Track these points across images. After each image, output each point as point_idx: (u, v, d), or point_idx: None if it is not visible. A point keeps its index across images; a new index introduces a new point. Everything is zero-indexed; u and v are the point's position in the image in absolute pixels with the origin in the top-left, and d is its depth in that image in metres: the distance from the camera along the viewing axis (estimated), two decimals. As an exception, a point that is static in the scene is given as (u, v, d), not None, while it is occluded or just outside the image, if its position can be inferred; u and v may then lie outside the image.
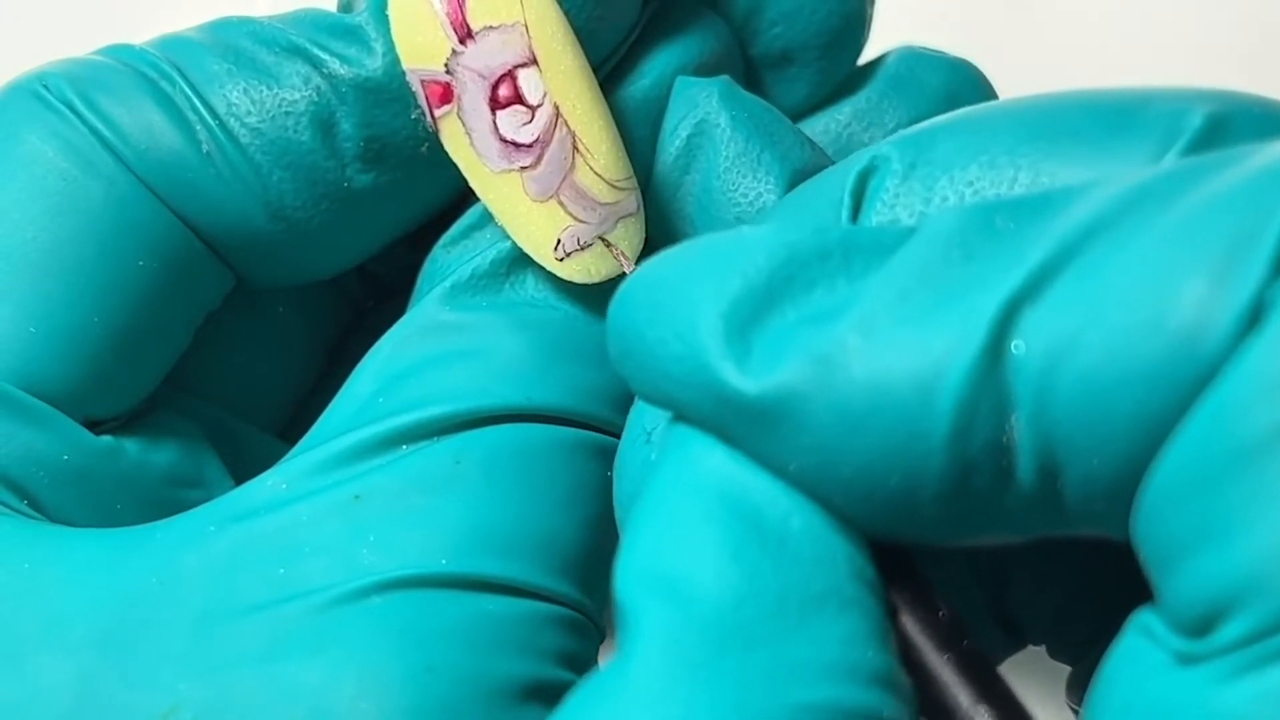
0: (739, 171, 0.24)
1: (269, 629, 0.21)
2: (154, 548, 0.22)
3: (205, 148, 0.23)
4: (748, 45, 0.27)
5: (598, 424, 0.24)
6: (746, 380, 0.17)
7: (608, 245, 0.23)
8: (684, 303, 0.17)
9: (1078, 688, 0.23)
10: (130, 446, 0.24)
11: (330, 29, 0.24)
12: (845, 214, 0.20)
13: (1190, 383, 0.15)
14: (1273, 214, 0.15)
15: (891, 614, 0.17)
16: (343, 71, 0.24)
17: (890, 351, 0.16)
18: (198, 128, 0.23)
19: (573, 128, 0.23)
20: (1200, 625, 0.15)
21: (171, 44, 0.24)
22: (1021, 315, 0.16)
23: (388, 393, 0.23)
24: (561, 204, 0.23)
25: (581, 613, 0.23)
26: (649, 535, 0.17)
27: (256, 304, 0.27)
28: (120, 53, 0.24)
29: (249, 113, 0.23)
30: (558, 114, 0.23)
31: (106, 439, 0.23)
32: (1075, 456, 0.16)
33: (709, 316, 0.17)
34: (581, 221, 0.23)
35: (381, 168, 0.24)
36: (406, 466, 0.22)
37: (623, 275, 0.24)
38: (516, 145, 0.23)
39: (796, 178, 0.24)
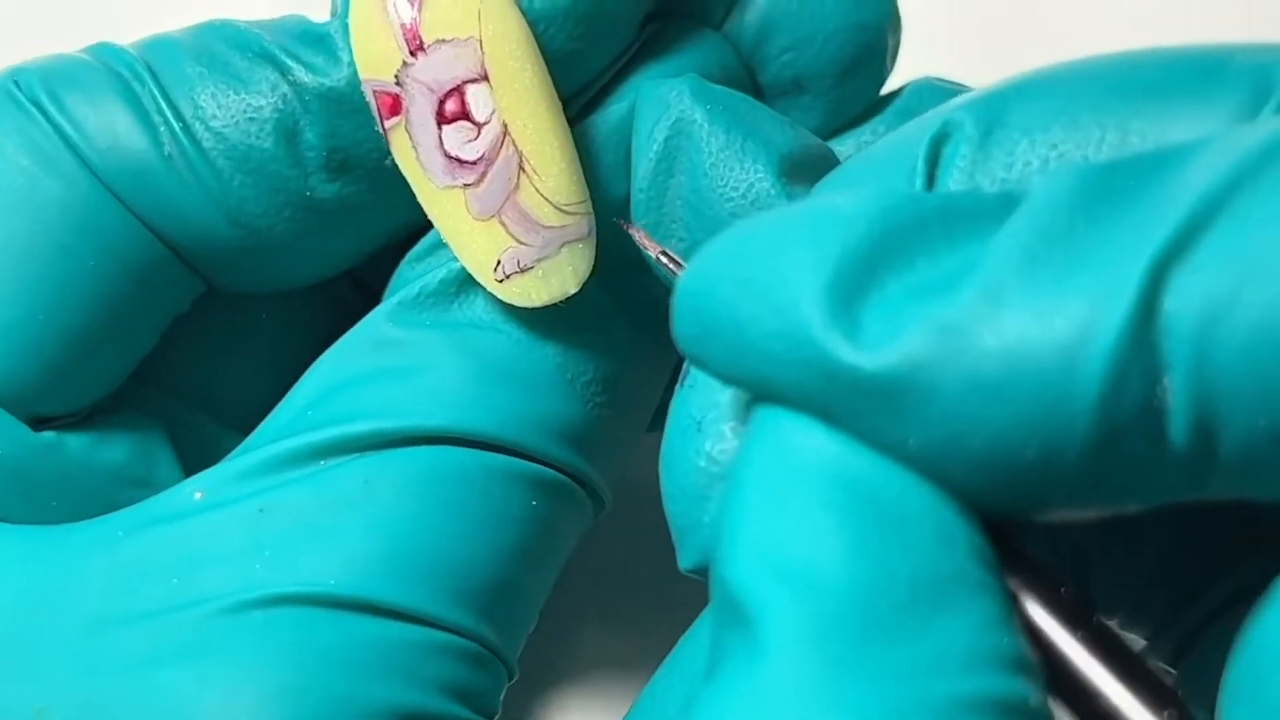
0: (726, 165, 0.23)
1: (154, 636, 0.21)
2: (65, 549, 0.22)
3: (167, 150, 0.23)
4: (757, 72, 0.26)
5: (528, 452, 0.23)
6: (863, 355, 0.16)
7: (628, 228, 0.23)
8: (779, 276, 0.16)
9: (1158, 652, 0.21)
10: (74, 443, 0.24)
11: (301, 36, 0.24)
12: (920, 182, 0.19)
13: None
14: None
15: (1012, 596, 0.17)
16: (308, 80, 0.24)
17: (1025, 318, 0.15)
18: (162, 130, 0.23)
19: (521, 147, 0.23)
20: None
21: (154, 45, 0.24)
22: (1171, 274, 0.15)
23: (318, 406, 0.23)
24: (503, 224, 0.23)
25: (482, 645, 0.23)
26: (757, 523, 0.16)
27: (240, 309, 0.27)
28: (102, 51, 0.24)
29: (214, 117, 0.23)
30: (505, 133, 0.22)
31: (48, 435, 0.24)
32: (1239, 415, 0.15)
33: (811, 290, 0.16)
34: (523, 244, 0.23)
35: (346, 179, 0.24)
36: (318, 482, 0.22)
37: (566, 299, 0.23)
38: (461, 162, 0.23)
39: (785, 162, 0.23)
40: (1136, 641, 0.22)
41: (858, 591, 0.16)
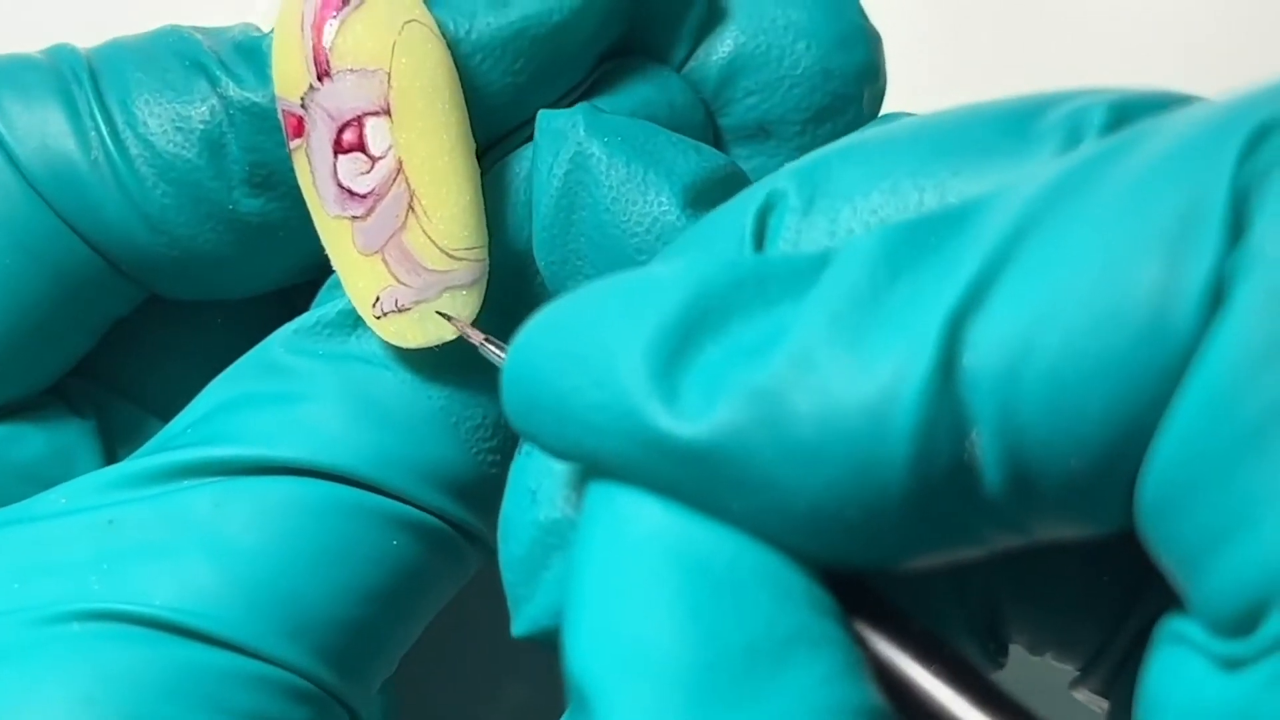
0: (628, 199, 0.22)
1: None
2: None
3: (94, 154, 0.23)
4: (719, 114, 0.25)
5: (396, 494, 0.23)
6: (680, 423, 0.16)
7: (447, 318, 0.22)
8: (598, 347, 0.16)
9: (1091, 679, 0.21)
10: None
11: (239, 48, 0.24)
12: (748, 253, 0.19)
13: (1165, 369, 0.14)
14: (1216, 181, 0.14)
15: (859, 641, 0.17)
16: (233, 94, 0.23)
17: (832, 381, 0.15)
18: (92, 134, 0.24)
19: (413, 187, 0.22)
20: (1240, 623, 0.14)
21: (105, 49, 0.25)
22: (968, 327, 0.15)
23: (198, 425, 0.23)
24: (385, 262, 0.22)
25: (314, 682, 0.22)
26: (595, 606, 0.16)
27: (192, 311, 0.27)
28: (57, 52, 0.25)
29: (145, 124, 0.24)
30: (399, 170, 0.22)
31: None
32: (1051, 459, 0.15)
33: (630, 359, 0.16)
34: (402, 284, 0.22)
35: (269, 195, 0.24)
36: (170, 501, 0.22)
37: (442, 346, 0.22)
38: (351, 193, 0.22)
39: (690, 191, 0.22)
40: (1070, 673, 0.21)
41: (693, 664, 0.15)
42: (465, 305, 0.22)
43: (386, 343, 0.23)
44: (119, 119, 0.24)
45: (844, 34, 0.25)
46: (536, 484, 0.19)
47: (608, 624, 0.16)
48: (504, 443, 0.24)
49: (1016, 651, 0.21)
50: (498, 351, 0.22)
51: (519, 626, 0.20)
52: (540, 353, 0.17)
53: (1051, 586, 0.20)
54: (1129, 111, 0.17)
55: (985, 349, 0.15)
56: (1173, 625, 0.16)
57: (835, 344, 0.15)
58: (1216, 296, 0.14)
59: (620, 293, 0.17)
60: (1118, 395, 0.15)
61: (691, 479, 0.16)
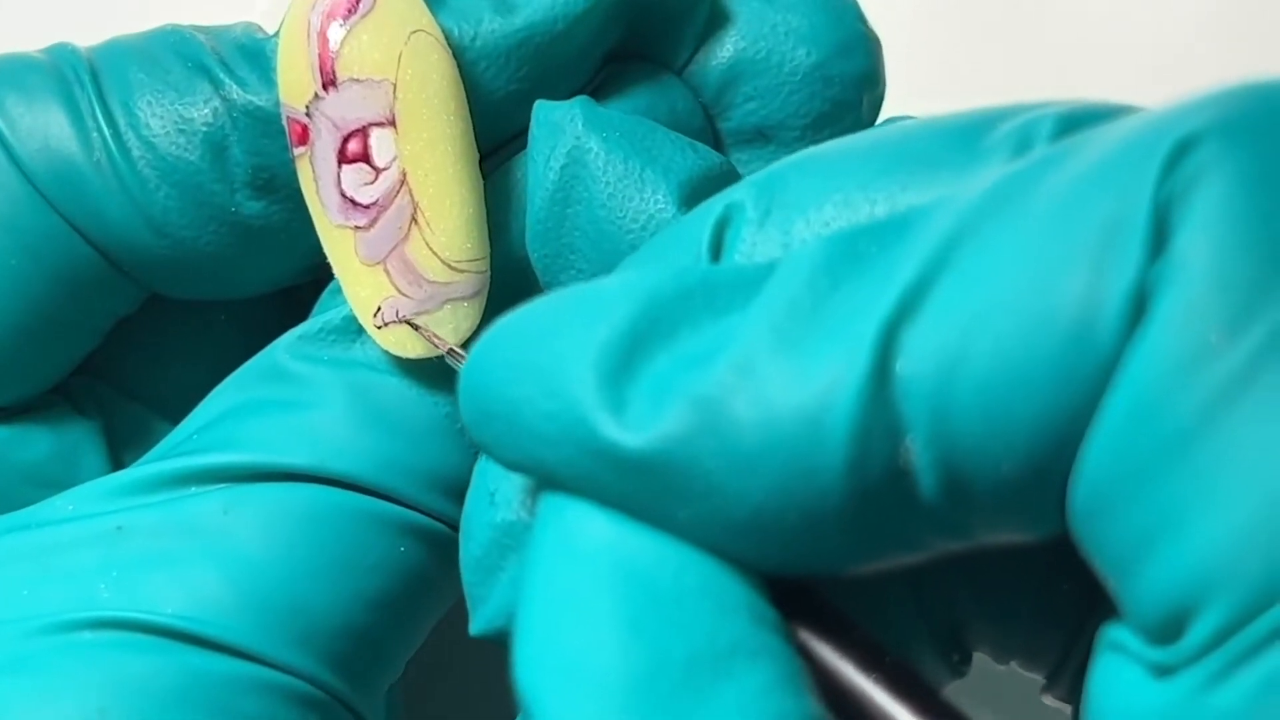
0: (624, 195, 0.22)
1: None
2: None
3: (96, 155, 0.23)
4: (719, 119, 0.26)
5: (403, 499, 0.23)
6: (627, 433, 0.16)
7: (415, 327, 0.22)
8: (550, 357, 0.17)
9: (1057, 687, 0.21)
10: None
11: (242, 50, 0.24)
12: (704, 264, 0.19)
13: (1091, 376, 0.15)
14: (1139, 193, 0.15)
15: (803, 651, 0.17)
16: (236, 96, 0.23)
17: (772, 388, 0.16)
18: (94, 135, 0.23)
19: (417, 199, 0.22)
20: (1168, 629, 0.15)
21: (106, 48, 0.24)
22: (901, 335, 0.15)
23: (205, 431, 0.23)
24: (387, 272, 0.22)
25: (322, 688, 0.22)
26: (540, 620, 0.17)
27: (197, 311, 0.27)
28: (58, 52, 0.24)
29: (147, 125, 0.24)
30: (404, 182, 0.22)
31: None
32: (983, 464, 0.15)
33: (579, 369, 0.16)
34: (404, 295, 0.22)
35: (271, 198, 0.24)
36: (178, 508, 0.22)
37: (442, 356, 0.23)
38: (355, 203, 0.22)
39: (686, 188, 0.22)
40: (1037, 680, 0.21)
41: (632, 676, 0.16)
42: (466, 317, 0.23)
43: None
44: (121, 120, 0.24)
45: (844, 41, 0.25)
46: (495, 486, 0.19)
47: (550, 635, 0.16)
48: (507, 449, 0.24)
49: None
50: (462, 361, 0.22)
51: (475, 625, 0.20)
52: (494, 362, 0.17)
53: (1012, 595, 0.20)
54: (1076, 123, 0.17)
55: (918, 356, 0.15)
56: (1110, 633, 0.16)
57: (776, 351, 0.16)
58: (1139, 306, 0.15)
59: (573, 303, 0.17)
60: (1046, 402, 0.15)
61: (638, 489, 0.16)
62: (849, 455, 0.15)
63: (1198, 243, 0.14)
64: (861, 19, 0.25)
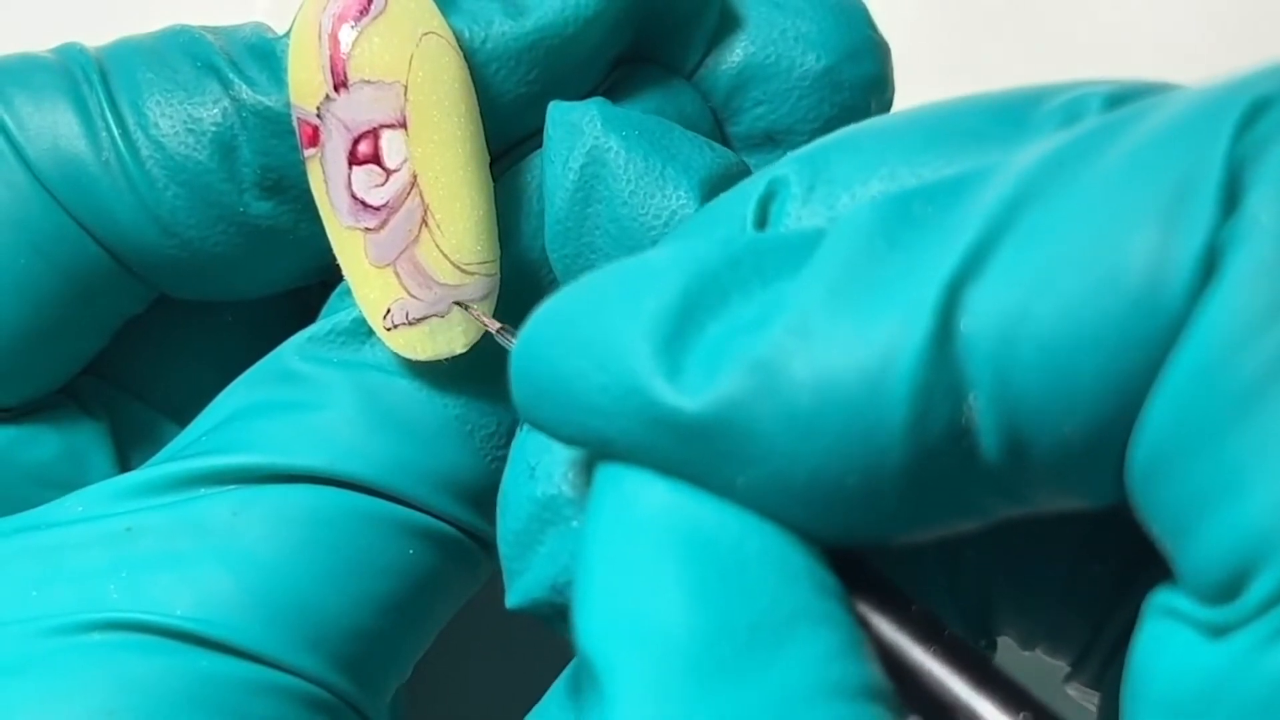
0: (646, 192, 0.22)
1: None
2: None
3: (105, 155, 0.23)
4: (728, 123, 0.26)
5: (412, 501, 0.23)
6: (684, 398, 0.16)
7: (465, 308, 0.22)
8: (601, 331, 0.17)
9: (1081, 674, 0.21)
10: None
11: (252, 50, 0.24)
12: (751, 234, 0.19)
13: (1157, 336, 0.15)
14: (1211, 153, 0.15)
15: (861, 622, 0.17)
16: (246, 97, 0.23)
17: (832, 349, 0.16)
18: (103, 135, 0.23)
19: (427, 201, 0.22)
20: (1226, 590, 0.15)
21: (115, 48, 0.24)
22: (965, 294, 0.15)
23: (214, 432, 0.23)
24: (397, 274, 0.22)
25: (331, 691, 0.22)
26: (602, 582, 0.17)
27: (205, 311, 0.27)
28: (66, 52, 0.24)
29: (156, 125, 0.23)
30: (414, 184, 0.22)
31: None
32: (1046, 425, 0.15)
33: (632, 340, 0.16)
34: (413, 297, 0.22)
35: (280, 199, 0.24)
36: (187, 509, 0.22)
37: (454, 357, 0.23)
38: (365, 205, 0.22)
39: (705, 185, 0.22)
40: (1061, 668, 0.21)
41: (697, 638, 0.16)
42: (473, 319, 0.23)
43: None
44: (130, 120, 0.24)
45: (854, 46, 0.25)
46: (536, 460, 0.20)
47: (615, 599, 0.16)
48: (518, 450, 0.24)
49: (1011, 646, 0.22)
50: (512, 340, 0.22)
51: (512, 599, 0.20)
52: (545, 341, 0.17)
53: (1043, 578, 0.21)
54: (1126, 99, 0.17)
55: (982, 314, 0.15)
56: (1160, 598, 0.16)
57: (832, 312, 0.16)
58: (1209, 266, 0.15)
59: (621, 277, 0.17)
60: (1111, 361, 0.15)
61: (696, 454, 0.16)
62: (909, 414, 0.15)
63: (1270, 203, 0.14)
64: (871, 24, 0.26)
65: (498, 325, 0.22)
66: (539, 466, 0.19)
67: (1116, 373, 0.15)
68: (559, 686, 0.21)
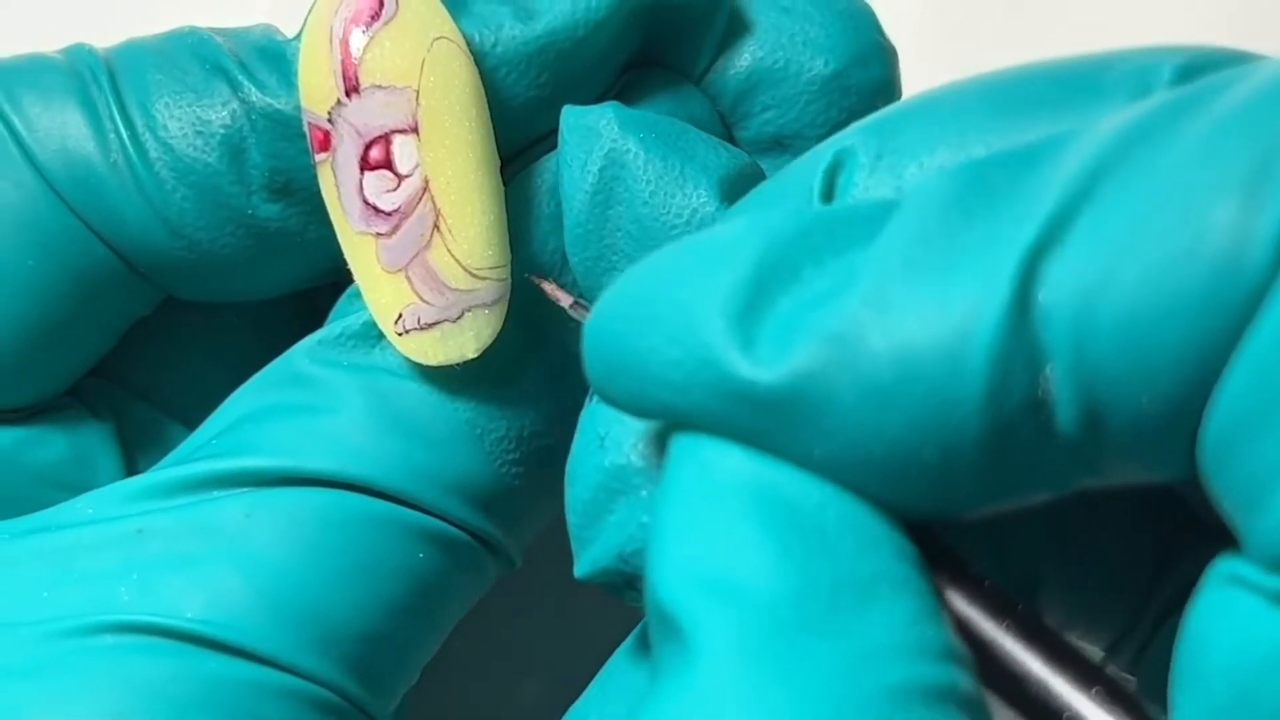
0: (666, 192, 0.22)
1: (4, 647, 0.21)
2: None
3: (113, 156, 0.23)
4: (736, 127, 0.26)
5: (422, 505, 0.23)
6: (760, 370, 0.16)
7: (541, 284, 0.22)
8: (674, 306, 0.17)
9: (1117, 660, 0.22)
10: (2, 441, 0.24)
11: (261, 52, 0.24)
12: (819, 205, 0.19)
13: (1238, 307, 0.15)
14: None
15: (937, 593, 0.17)
16: (256, 99, 0.23)
17: (908, 320, 0.16)
18: (111, 136, 0.23)
19: (439, 206, 0.22)
20: None
21: (124, 49, 0.24)
22: (1044, 264, 0.15)
23: (224, 435, 0.23)
24: (409, 279, 0.22)
25: (340, 694, 0.23)
26: (682, 543, 0.17)
27: (212, 313, 0.27)
28: (75, 53, 0.24)
29: (164, 126, 0.23)
30: (426, 189, 0.22)
31: None
32: (1124, 396, 0.15)
33: (705, 314, 0.17)
34: (425, 302, 0.22)
35: (288, 201, 0.24)
36: (199, 512, 0.22)
37: (465, 361, 0.23)
38: (377, 210, 0.22)
39: (724, 184, 0.23)
40: (1095, 653, 0.22)
41: (782, 596, 0.16)
42: (488, 324, 0.23)
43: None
44: (139, 121, 0.23)
45: (862, 51, 0.25)
46: (605, 430, 0.20)
47: (698, 559, 0.16)
48: (527, 455, 0.24)
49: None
50: (586, 315, 0.22)
51: (581, 568, 0.20)
52: (617, 318, 0.17)
53: (1090, 558, 0.21)
54: (1198, 69, 0.17)
55: (1061, 285, 0.15)
56: (1224, 565, 0.16)
57: (909, 283, 0.16)
58: None
59: (691, 252, 0.17)
60: (1190, 332, 0.15)
61: (773, 426, 0.16)
62: (988, 385, 0.15)
63: None
64: (878, 29, 0.26)
65: (570, 300, 0.22)
66: (608, 436, 0.20)
67: (1195, 343, 0.15)
68: (624, 650, 0.21)
